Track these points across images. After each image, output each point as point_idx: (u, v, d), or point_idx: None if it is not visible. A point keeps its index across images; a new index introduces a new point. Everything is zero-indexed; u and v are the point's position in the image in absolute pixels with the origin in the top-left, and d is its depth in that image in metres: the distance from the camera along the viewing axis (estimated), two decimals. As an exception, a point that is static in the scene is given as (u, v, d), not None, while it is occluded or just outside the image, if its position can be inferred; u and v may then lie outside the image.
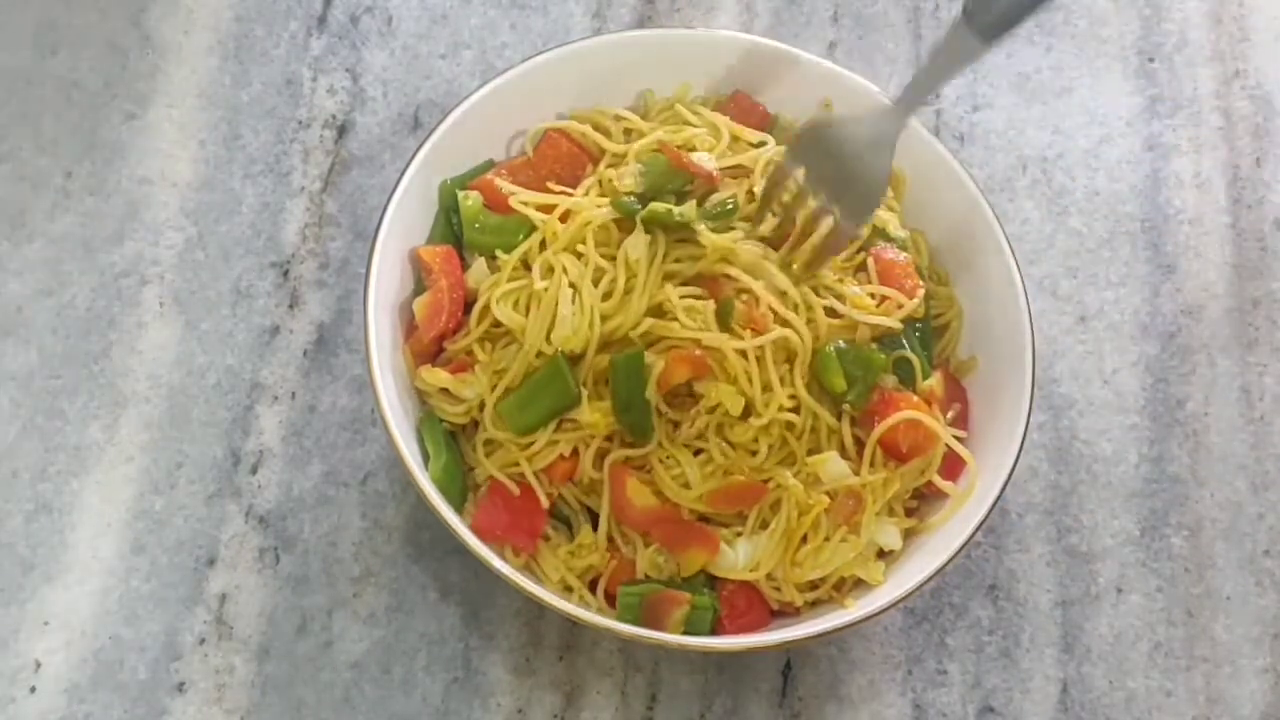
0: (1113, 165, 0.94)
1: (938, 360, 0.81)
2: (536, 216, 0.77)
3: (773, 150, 0.79)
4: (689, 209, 0.75)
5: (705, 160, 0.78)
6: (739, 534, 0.75)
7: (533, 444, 0.75)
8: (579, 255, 0.76)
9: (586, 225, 0.76)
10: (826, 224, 0.75)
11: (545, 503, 0.75)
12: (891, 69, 0.95)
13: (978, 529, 0.73)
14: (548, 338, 0.74)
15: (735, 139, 0.80)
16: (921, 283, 0.78)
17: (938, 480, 0.77)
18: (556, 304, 0.74)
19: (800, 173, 0.76)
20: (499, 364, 0.76)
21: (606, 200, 0.77)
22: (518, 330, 0.75)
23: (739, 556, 0.74)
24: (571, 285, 0.75)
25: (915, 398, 0.76)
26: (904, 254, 0.79)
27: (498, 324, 0.77)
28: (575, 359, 0.75)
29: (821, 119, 0.79)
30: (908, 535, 0.77)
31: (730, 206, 0.76)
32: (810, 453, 0.75)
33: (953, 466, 0.77)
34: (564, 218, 0.77)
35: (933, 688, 0.79)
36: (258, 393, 0.83)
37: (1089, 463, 0.85)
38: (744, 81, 0.84)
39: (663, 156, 0.77)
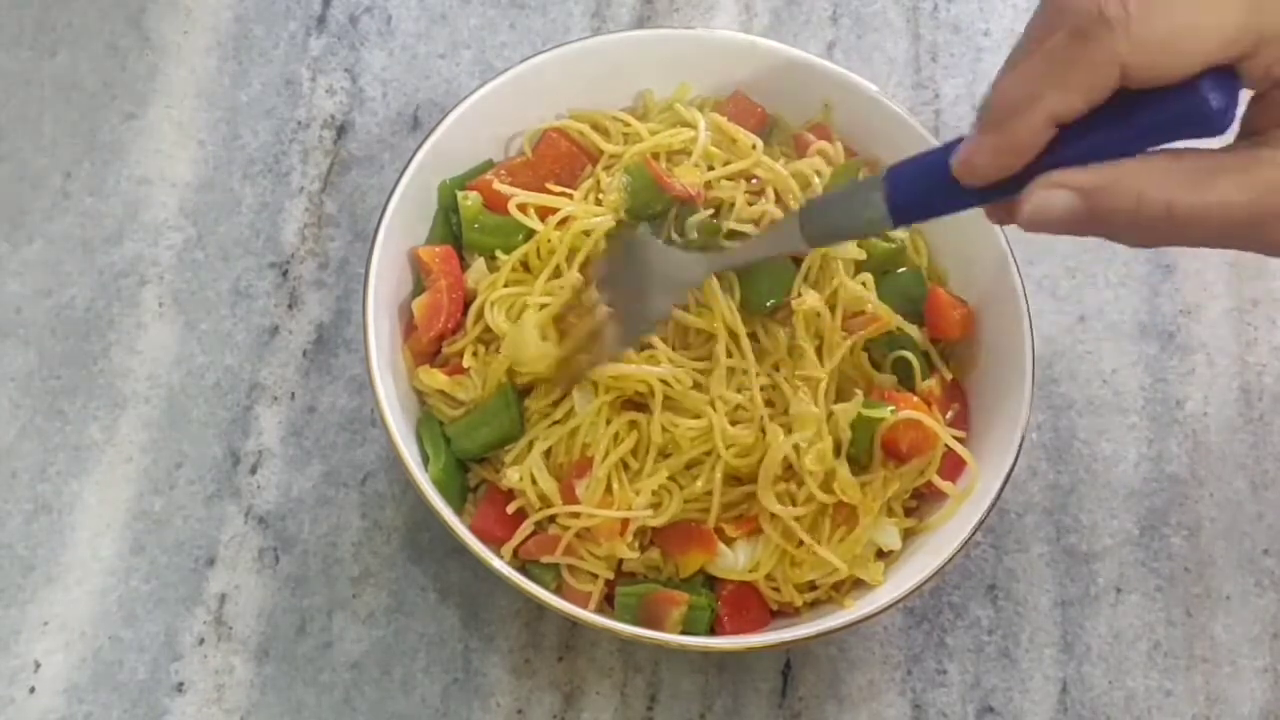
0: (1112, 165, 0.94)
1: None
2: (533, 223, 0.77)
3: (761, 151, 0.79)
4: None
5: (688, 177, 0.77)
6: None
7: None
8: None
9: (583, 234, 0.76)
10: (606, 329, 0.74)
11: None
12: (890, 69, 0.95)
13: (977, 529, 0.73)
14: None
15: (733, 141, 0.80)
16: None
17: (937, 480, 0.77)
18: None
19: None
20: (489, 369, 0.76)
21: (605, 210, 0.77)
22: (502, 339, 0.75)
23: (738, 558, 0.74)
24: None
25: (914, 398, 0.76)
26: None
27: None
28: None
29: (634, 234, 0.76)
30: (907, 535, 0.77)
31: (705, 231, 0.76)
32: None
33: (952, 466, 0.77)
34: (562, 224, 0.77)
35: (932, 687, 0.79)
36: (257, 393, 0.83)
37: (1088, 462, 0.85)
38: (743, 82, 0.84)
39: (648, 172, 0.77)
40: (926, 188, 0.63)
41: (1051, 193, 0.58)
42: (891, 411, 0.75)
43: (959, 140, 0.61)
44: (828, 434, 0.74)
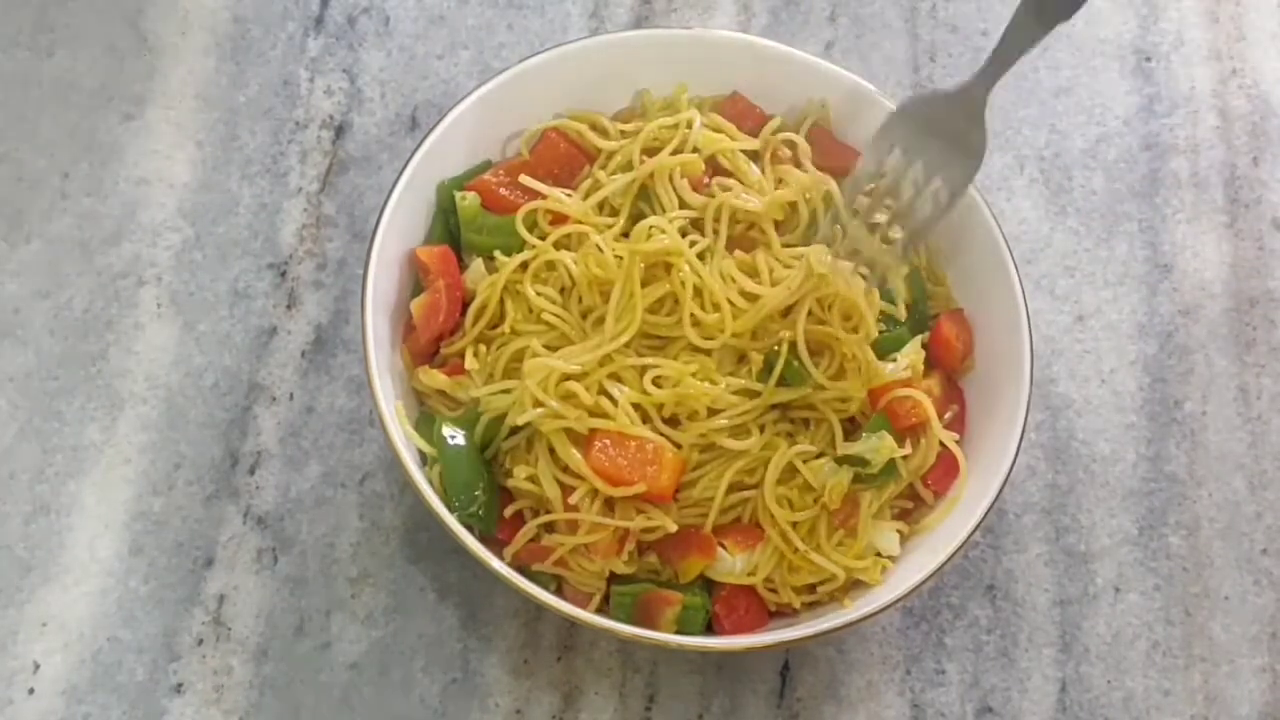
0: (1110, 164, 0.94)
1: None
2: (534, 240, 0.78)
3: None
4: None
5: (690, 169, 0.78)
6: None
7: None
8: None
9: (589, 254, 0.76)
10: (934, 192, 0.76)
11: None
12: (889, 69, 0.95)
13: (975, 529, 0.73)
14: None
15: (731, 139, 0.81)
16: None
17: (923, 490, 0.77)
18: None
19: (896, 151, 0.77)
20: (491, 367, 0.76)
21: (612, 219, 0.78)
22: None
23: (736, 563, 0.74)
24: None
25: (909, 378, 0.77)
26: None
27: (493, 325, 0.77)
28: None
29: (912, 99, 0.79)
30: (905, 535, 0.77)
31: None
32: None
33: (949, 470, 0.77)
34: (564, 240, 0.78)
35: (931, 687, 0.79)
36: (255, 394, 0.83)
37: (1087, 462, 0.85)
38: (741, 82, 0.84)
39: None
40: None
41: None
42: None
43: None
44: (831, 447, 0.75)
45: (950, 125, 0.75)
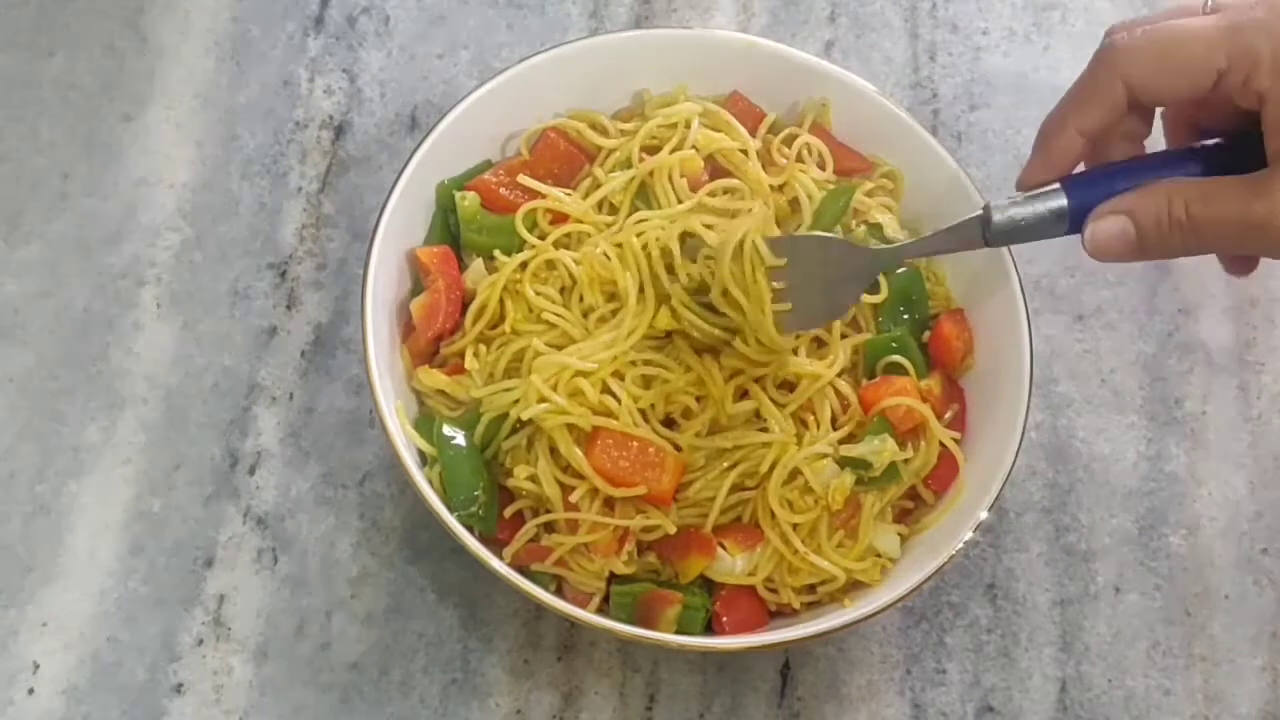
0: (1110, 164, 0.94)
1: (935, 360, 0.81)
2: (534, 240, 0.78)
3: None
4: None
5: (689, 167, 0.79)
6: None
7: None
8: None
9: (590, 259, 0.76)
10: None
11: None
12: (888, 69, 0.95)
13: (976, 528, 0.73)
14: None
15: (731, 139, 0.81)
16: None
17: (923, 491, 0.77)
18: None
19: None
20: (491, 367, 0.76)
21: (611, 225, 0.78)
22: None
23: (736, 563, 0.74)
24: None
25: (908, 384, 0.77)
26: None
27: (493, 325, 0.77)
28: None
29: (823, 236, 0.77)
30: (905, 538, 0.77)
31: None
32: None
33: (950, 470, 0.77)
34: (564, 239, 0.78)
35: (931, 687, 0.79)
36: (255, 394, 0.83)
37: (1087, 461, 0.85)
38: (741, 82, 0.84)
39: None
40: (1104, 196, 0.70)
41: (1103, 220, 0.69)
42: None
43: (1136, 158, 0.72)
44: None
45: (834, 274, 0.74)
